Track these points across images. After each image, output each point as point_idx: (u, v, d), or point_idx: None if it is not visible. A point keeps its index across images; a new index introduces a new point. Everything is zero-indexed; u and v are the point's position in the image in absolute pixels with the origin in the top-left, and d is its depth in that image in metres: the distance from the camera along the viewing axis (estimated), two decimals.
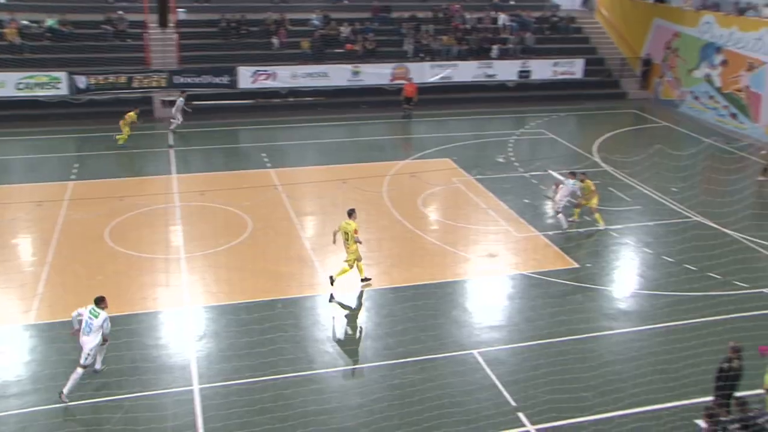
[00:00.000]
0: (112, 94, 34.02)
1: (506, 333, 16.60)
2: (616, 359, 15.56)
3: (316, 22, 38.77)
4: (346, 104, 36.28)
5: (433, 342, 15.96)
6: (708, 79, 35.96)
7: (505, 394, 14.28)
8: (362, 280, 18.41)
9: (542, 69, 39.59)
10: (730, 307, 17.49)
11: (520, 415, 13.66)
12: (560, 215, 22.00)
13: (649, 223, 22.98)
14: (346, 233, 17.99)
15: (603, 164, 27.48)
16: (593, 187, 22.32)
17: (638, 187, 25.87)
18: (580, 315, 17.20)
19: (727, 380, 13.05)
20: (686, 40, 37.49)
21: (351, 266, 18.13)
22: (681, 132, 34.07)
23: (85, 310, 13.84)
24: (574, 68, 40.05)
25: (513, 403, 13.99)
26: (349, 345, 15.87)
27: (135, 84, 34.09)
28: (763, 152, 27.48)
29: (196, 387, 14.34)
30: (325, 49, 37.59)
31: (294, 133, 32.56)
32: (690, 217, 23.26)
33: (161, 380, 14.49)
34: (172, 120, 31.02)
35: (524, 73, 39.43)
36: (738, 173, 25.72)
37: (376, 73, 37.31)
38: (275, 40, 37.58)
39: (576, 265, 19.85)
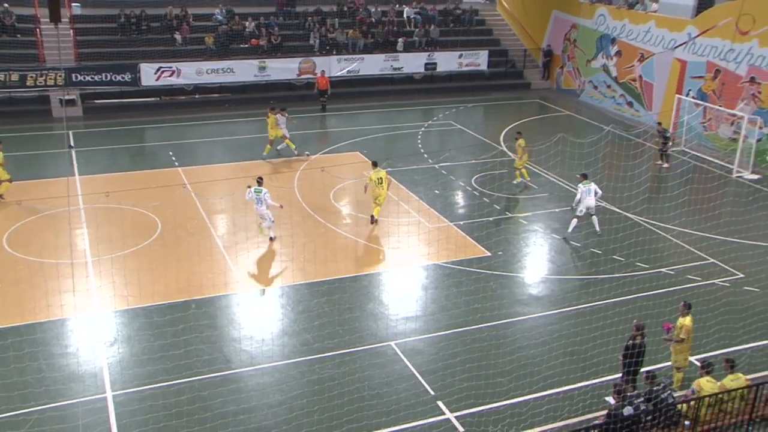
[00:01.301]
0: (4, 92, 32.46)
1: (422, 323, 16.81)
2: (529, 344, 16.01)
3: (219, 17, 38.04)
4: (254, 100, 35.80)
5: (351, 335, 16.01)
6: (605, 69, 37.35)
7: (424, 383, 14.48)
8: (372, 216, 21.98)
9: (448, 61, 40.17)
10: (633, 287, 18.30)
11: (439, 403, 13.88)
12: (574, 219, 21.54)
13: (556, 210, 23.70)
14: (380, 178, 21.61)
15: (510, 153, 28.11)
16: (524, 145, 24.59)
17: (544, 174, 26.64)
18: (493, 302, 17.61)
19: (632, 357, 13.65)
20: (583, 32, 38.80)
21: (381, 204, 21.87)
22: (582, 120, 35.27)
23: (251, 191, 20.08)
24: (478, 60, 40.81)
25: (432, 392, 14.20)
26: (266, 342, 15.71)
27: (29, 82, 32.58)
28: (657, 139, 28.81)
29: (109, 394, 13.91)
30: (229, 45, 36.98)
31: (202, 131, 31.95)
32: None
33: (71, 390, 13.98)
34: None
35: (430, 66, 39.89)
36: (636, 159, 26.82)
37: (283, 68, 36.99)
38: (178, 36, 36.70)
39: (488, 254, 20.28)
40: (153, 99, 34.99)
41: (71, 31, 35.08)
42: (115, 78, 34.05)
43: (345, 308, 17.12)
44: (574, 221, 21.48)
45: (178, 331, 15.59)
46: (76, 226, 21.22)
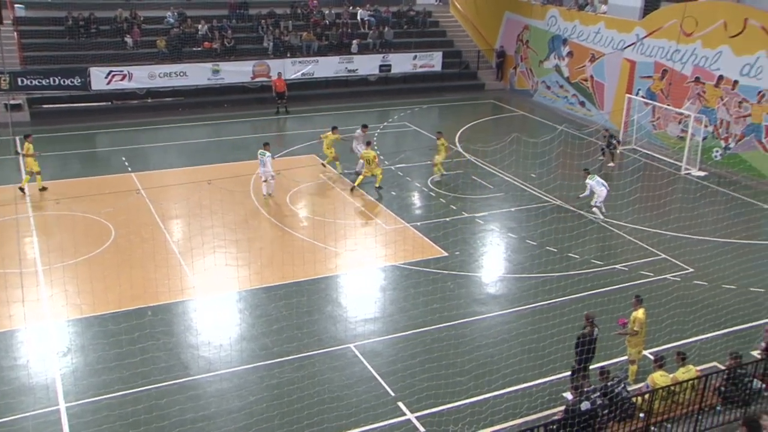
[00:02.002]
0: None
1: (381, 324, 16.84)
2: (487, 342, 16.13)
3: (171, 20, 37.60)
4: (208, 103, 35.50)
5: (310, 339, 15.96)
6: (557, 69, 37.87)
7: (384, 384, 14.49)
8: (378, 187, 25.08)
9: (402, 62, 40.31)
10: (588, 284, 18.61)
11: (400, 404, 13.92)
12: (594, 209, 23.16)
13: (512, 209, 23.96)
14: (368, 160, 24.79)
15: (465, 154, 28.33)
16: (443, 146, 26.18)
17: (499, 174, 26.90)
18: (451, 302, 17.71)
19: (582, 346, 13.85)
20: (535, 33, 39.29)
21: (364, 175, 25.04)
22: (536, 120, 35.68)
23: (259, 152, 23.95)
24: (433, 61, 41.04)
25: (392, 393, 14.22)
26: (224, 348, 15.57)
27: None
28: (603, 132, 29.17)
29: (62, 406, 13.62)
30: (182, 48, 36.55)
31: (155, 135, 31.50)
32: (549, 201, 24.45)
33: (21, 403, 13.64)
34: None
35: (385, 67, 39.99)
36: (589, 158, 27.24)
37: (237, 71, 36.71)
38: (129, 39, 36.14)
39: (445, 254, 20.39)
40: (104, 103, 34.35)
41: (15, 33, 34.28)
42: (64, 82, 33.40)
43: (303, 312, 17.05)
44: (596, 210, 23.04)
45: (133, 339, 15.37)
46: (25, 234, 20.76)
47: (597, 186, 22.98)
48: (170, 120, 33.43)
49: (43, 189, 24.04)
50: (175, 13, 37.99)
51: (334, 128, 27.05)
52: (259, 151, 24.03)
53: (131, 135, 31.24)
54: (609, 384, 12.74)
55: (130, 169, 26.71)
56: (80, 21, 35.71)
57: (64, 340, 15.79)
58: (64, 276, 18.25)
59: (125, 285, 17.89)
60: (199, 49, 37.06)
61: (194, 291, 18.03)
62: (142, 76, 34.87)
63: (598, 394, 12.57)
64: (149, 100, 35.15)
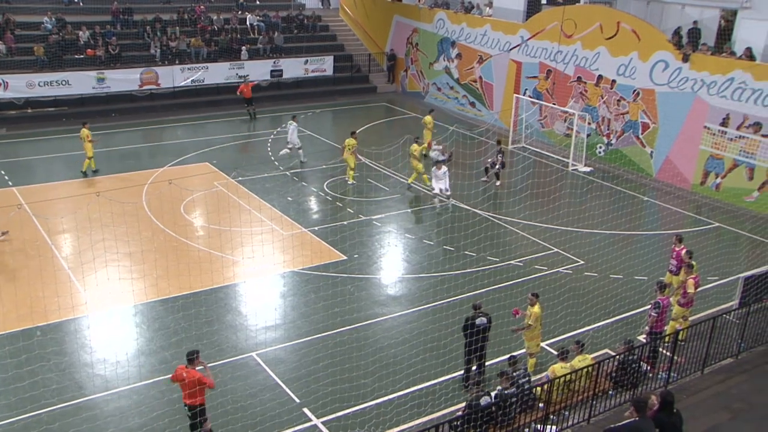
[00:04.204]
0: None
1: (283, 331, 16.71)
2: (390, 343, 16.28)
3: (48, 26, 35.96)
4: (94, 113, 34.13)
5: (211, 349, 15.63)
6: (447, 71, 38.66)
7: (288, 391, 14.40)
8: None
9: (294, 67, 40.17)
10: (485, 281, 19.06)
11: (305, 410, 13.86)
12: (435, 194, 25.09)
13: (408, 210, 24.28)
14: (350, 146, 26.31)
15: (360, 157, 28.47)
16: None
17: (394, 176, 27.20)
18: (352, 305, 17.76)
19: (471, 336, 14.21)
20: (424, 36, 39.98)
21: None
22: None
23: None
24: (324, 65, 41.10)
25: (297, 400, 14.15)
26: (122, 364, 15.05)
27: None
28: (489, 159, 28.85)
29: None
30: (63, 56, 35.04)
31: (38, 147, 30.06)
32: (444, 201, 24.91)
33: None
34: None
35: (276, 72, 39.71)
36: (480, 157, 27.95)
37: (124, 79, 35.55)
38: (2, 46, 34.33)
39: (344, 257, 20.44)
40: None
41: None
42: None
43: (203, 322, 16.71)
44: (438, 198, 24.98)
45: (21, 362, 14.61)
46: None
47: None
48: (53, 131, 32.01)
49: (93, 173, 26.50)
50: (53, 19, 36.37)
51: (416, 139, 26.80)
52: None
53: (11, 147, 29.72)
54: (515, 374, 13.11)
55: (10, 183, 25.39)
56: None
57: None
58: None
59: (10, 305, 17.02)
60: (82, 56, 35.63)
61: (87, 307, 17.35)
62: (20, 85, 33.22)
63: (501, 388, 12.88)
64: (29, 111, 33.50)
